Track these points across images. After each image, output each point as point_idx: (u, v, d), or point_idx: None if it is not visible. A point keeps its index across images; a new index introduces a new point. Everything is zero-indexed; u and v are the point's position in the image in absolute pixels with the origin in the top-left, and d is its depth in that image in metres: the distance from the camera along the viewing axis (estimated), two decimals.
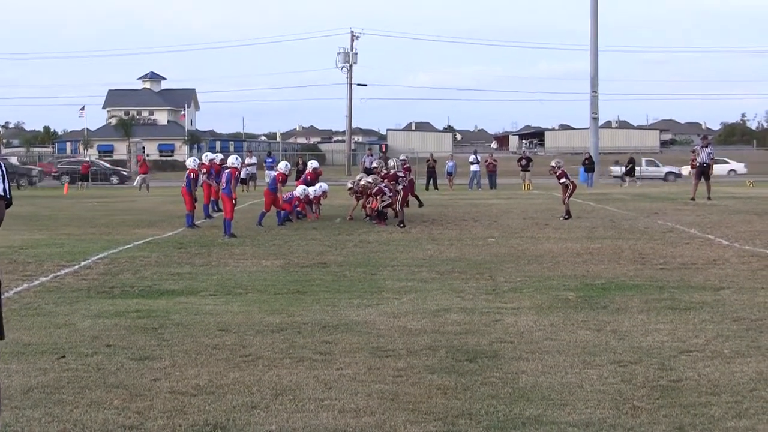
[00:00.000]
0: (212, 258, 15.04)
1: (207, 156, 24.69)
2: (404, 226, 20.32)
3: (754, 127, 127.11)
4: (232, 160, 20.39)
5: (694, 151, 35.34)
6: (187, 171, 21.61)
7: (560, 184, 23.19)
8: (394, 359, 7.51)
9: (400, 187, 21.84)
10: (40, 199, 37.99)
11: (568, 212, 22.70)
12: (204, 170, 23.60)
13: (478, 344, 8.08)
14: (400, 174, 23.07)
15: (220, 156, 24.56)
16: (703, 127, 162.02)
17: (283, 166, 22.89)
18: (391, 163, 24.24)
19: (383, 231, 19.83)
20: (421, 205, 25.97)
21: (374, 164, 23.37)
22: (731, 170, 62.15)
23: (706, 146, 30.70)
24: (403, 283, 11.92)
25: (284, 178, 22.33)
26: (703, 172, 30.40)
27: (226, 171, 19.75)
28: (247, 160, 44.17)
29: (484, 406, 6.10)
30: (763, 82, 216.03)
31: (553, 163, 23.55)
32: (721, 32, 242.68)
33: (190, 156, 37.32)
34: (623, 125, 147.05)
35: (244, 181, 39.47)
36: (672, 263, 13.80)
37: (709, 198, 29.61)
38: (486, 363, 7.35)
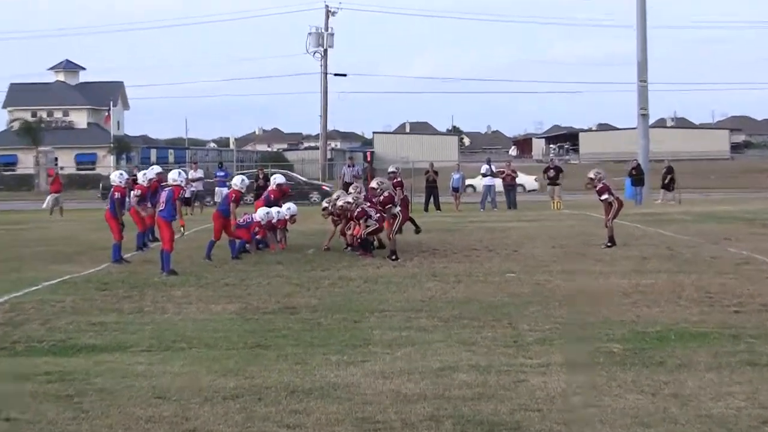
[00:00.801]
0: (146, 302, 14.95)
1: (143, 172, 24.55)
2: (396, 259, 20.30)
3: None
4: (174, 175, 20.32)
5: None
6: (112, 189, 21.57)
7: (601, 201, 23.27)
8: None
9: (397, 209, 21.81)
10: None
11: (611, 238, 22.74)
12: (137, 190, 23.48)
13: (495, 413, 8.06)
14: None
15: (156, 169, 24.45)
16: None
17: (238, 181, 22.85)
18: (374, 184, 23.39)
19: (369, 265, 19.79)
20: (418, 230, 25.94)
21: (373, 184, 23.17)
22: None
23: None
24: (396, 333, 11.88)
25: (239, 197, 22.30)
26: None
27: (166, 189, 19.70)
28: (192, 175, 44.10)
29: None
30: None
31: (591, 175, 23.63)
32: None
33: (117, 169, 37.05)
34: (682, 124, 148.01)
35: (187, 202, 39.42)
36: (749, 304, 13.81)
37: None
38: None
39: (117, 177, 22.09)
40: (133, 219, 23.80)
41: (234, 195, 22.07)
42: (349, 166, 42.18)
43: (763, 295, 14.68)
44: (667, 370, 9.62)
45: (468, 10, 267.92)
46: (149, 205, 23.14)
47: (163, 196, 19.47)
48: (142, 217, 23.57)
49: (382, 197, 21.97)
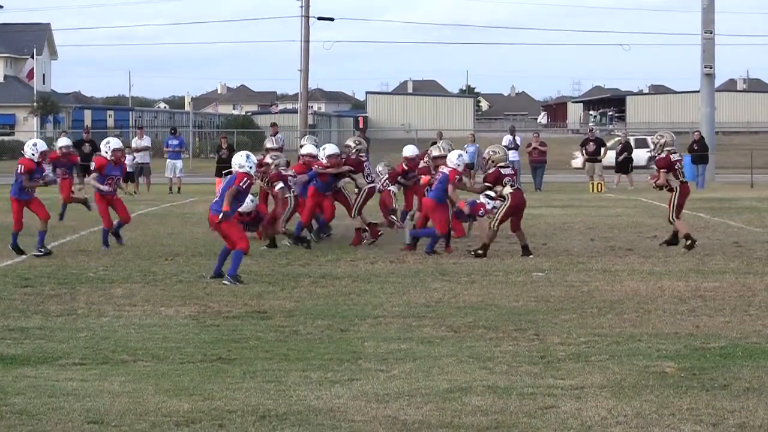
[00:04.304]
0: (78, 303, 15.02)
1: (106, 141, 23.97)
2: (308, 243, 21.27)
3: None
4: (112, 143, 20.33)
5: None
6: (19, 164, 21.35)
7: (657, 185, 21.69)
8: None
9: (368, 184, 22.22)
10: None
11: (688, 236, 21.29)
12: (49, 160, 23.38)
13: None
14: (365, 160, 23.12)
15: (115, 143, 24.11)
16: None
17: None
18: (380, 167, 23.86)
19: (361, 260, 19.85)
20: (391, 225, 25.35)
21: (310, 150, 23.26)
22: None
23: None
24: (394, 346, 11.95)
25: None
26: None
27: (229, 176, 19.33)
28: (137, 143, 44.10)
29: None
30: None
31: (654, 139, 22.19)
32: None
33: (36, 138, 36.62)
34: (755, 87, 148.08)
35: (130, 177, 39.40)
36: None
37: None
38: None
39: (31, 149, 21.79)
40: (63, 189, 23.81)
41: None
42: (272, 135, 38.54)
43: None
44: (732, 395, 9.66)
45: None
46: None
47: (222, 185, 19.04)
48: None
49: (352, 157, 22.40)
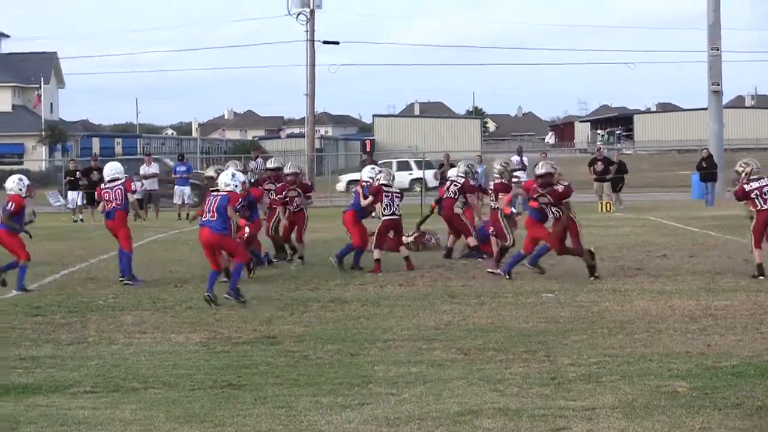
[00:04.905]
0: (89, 331, 15.04)
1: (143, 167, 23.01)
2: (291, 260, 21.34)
3: None
4: (227, 179, 19.70)
5: None
6: (7, 199, 20.83)
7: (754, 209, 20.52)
8: None
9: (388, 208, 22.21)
10: None
11: (760, 266, 20.19)
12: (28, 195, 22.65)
13: None
14: (390, 187, 23.03)
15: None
16: None
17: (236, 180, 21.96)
18: (377, 172, 23.51)
19: (370, 284, 19.87)
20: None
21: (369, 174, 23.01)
22: None
23: None
24: (404, 369, 11.96)
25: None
26: None
27: (218, 196, 19.23)
28: (145, 170, 44.14)
29: None
30: None
31: (738, 168, 21.01)
32: None
33: (67, 164, 36.54)
34: (764, 103, 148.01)
35: (139, 203, 39.35)
36: None
37: None
38: None
39: (14, 183, 20.72)
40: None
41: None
42: (254, 160, 37.50)
43: None
44: (744, 413, 9.67)
45: None
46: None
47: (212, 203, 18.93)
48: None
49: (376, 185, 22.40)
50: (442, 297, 17.97)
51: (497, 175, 21.73)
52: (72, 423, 9.79)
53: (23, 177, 21.61)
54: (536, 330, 14.49)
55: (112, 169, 21.79)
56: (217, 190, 19.12)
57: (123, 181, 20.65)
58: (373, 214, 22.55)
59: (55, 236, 21.25)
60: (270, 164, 25.43)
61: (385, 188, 22.32)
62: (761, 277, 19.59)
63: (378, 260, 21.72)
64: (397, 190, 22.93)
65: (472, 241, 23.54)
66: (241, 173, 20.29)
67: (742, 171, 20.55)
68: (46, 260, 20.83)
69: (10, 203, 20.15)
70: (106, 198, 20.68)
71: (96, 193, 23.31)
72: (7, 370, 12.35)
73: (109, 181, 21.13)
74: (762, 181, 20.07)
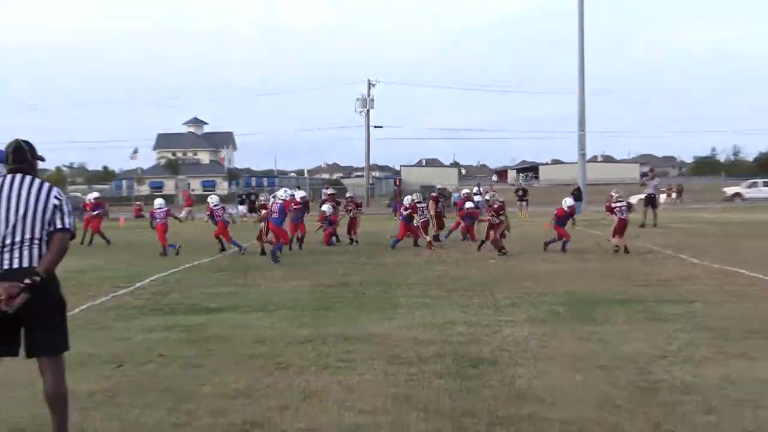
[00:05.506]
0: (248, 280, 15.10)
1: (283, 189, 20.80)
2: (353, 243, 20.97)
3: (722, 160, 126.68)
4: (281, 193, 19.86)
5: (644, 184, 35.25)
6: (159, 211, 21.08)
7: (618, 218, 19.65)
8: (407, 366, 7.57)
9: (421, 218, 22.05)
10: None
11: (616, 247, 19.18)
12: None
13: (480, 352, 8.12)
14: (422, 203, 22.78)
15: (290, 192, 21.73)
16: (678, 160, 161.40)
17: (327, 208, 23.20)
18: (414, 197, 22.54)
19: (398, 254, 19.90)
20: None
21: (413, 197, 22.64)
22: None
23: (652, 178, 31.50)
24: (415, 300, 11.95)
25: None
26: (651, 201, 30.61)
27: (278, 202, 19.28)
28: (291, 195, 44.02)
29: (485, 406, 6.16)
30: (732, 120, 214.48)
31: (613, 193, 20.54)
32: (695, 76, 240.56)
33: (238, 195, 36.46)
34: (607, 159, 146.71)
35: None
36: (651, 280, 13.77)
37: (655, 225, 29.18)
38: (487, 368, 7.41)
39: (283, 193, 19.94)
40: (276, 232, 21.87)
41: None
42: (326, 188, 33.96)
43: (660, 274, 14.65)
44: (595, 324, 9.64)
45: (467, 83, 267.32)
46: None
47: (276, 207, 19.24)
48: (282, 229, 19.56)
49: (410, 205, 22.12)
50: (437, 262, 17.95)
51: (478, 198, 21.79)
52: (240, 327, 9.84)
53: (286, 189, 20.88)
54: (486, 279, 14.47)
55: (273, 194, 22.21)
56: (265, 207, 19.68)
57: (283, 202, 19.50)
58: (414, 222, 22.17)
59: (232, 230, 21.49)
60: (325, 191, 25.94)
61: (418, 205, 22.31)
62: (617, 252, 19.09)
63: (429, 241, 21.69)
64: (425, 204, 23.03)
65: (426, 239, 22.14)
66: (286, 191, 20.33)
67: (614, 195, 20.49)
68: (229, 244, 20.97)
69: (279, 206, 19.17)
70: (272, 209, 19.39)
71: (259, 206, 22.99)
72: (204, 299, 12.48)
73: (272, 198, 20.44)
74: (621, 202, 20.08)
